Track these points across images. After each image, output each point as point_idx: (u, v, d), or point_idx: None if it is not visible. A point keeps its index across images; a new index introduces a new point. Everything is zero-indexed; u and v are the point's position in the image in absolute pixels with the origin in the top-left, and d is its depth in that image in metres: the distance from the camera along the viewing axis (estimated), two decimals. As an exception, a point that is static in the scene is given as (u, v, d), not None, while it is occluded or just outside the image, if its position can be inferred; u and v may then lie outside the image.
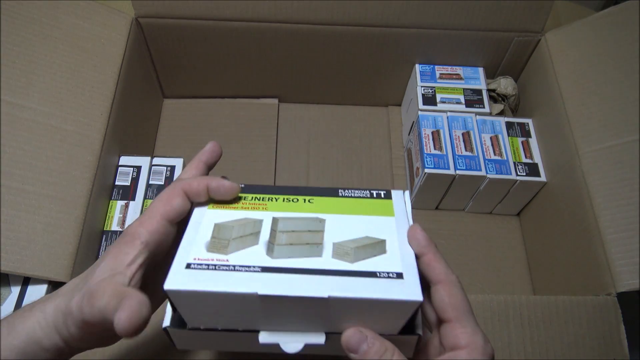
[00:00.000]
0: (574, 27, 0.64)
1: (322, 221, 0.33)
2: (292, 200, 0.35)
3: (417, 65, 0.72)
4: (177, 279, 0.29)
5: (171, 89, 0.77)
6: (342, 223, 0.33)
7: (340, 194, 0.36)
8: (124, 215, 0.57)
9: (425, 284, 0.31)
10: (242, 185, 0.35)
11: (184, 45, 0.69)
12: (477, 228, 0.70)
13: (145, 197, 0.58)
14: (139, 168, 0.60)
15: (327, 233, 0.33)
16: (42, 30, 0.56)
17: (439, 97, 0.69)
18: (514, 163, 0.64)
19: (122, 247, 0.29)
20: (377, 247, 0.32)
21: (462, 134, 0.66)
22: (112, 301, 0.26)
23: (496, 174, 0.63)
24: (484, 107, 0.69)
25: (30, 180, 0.49)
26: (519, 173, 0.63)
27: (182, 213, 0.32)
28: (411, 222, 0.34)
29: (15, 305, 0.47)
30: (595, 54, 0.61)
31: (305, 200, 0.35)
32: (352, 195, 0.36)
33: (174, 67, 0.73)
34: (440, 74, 0.71)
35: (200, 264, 0.30)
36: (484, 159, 0.64)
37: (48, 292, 0.48)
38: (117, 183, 0.59)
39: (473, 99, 0.69)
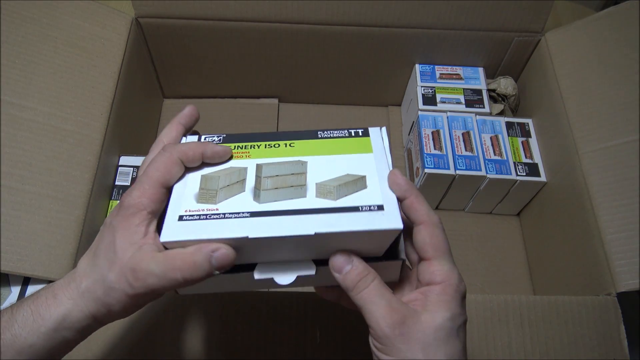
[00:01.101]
0: (574, 27, 0.64)
1: (304, 163, 0.34)
2: (274, 146, 0.36)
3: (417, 65, 0.72)
4: (171, 231, 0.30)
5: (171, 89, 0.77)
6: (323, 163, 0.35)
7: (319, 136, 0.37)
8: (124, 215, 0.57)
9: (408, 226, 0.32)
10: (224, 135, 0.36)
11: (184, 45, 0.69)
12: (477, 228, 0.70)
13: (145, 197, 0.58)
14: (139, 168, 0.60)
15: (310, 174, 0.34)
16: (42, 30, 0.56)
17: (439, 97, 0.69)
18: (514, 163, 0.64)
19: (131, 219, 0.30)
20: (358, 183, 0.33)
21: (462, 134, 0.66)
22: (162, 268, 0.28)
23: (496, 174, 0.63)
24: (484, 107, 0.69)
25: (30, 180, 0.49)
26: (519, 173, 0.63)
27: (177, 179, 0.33)
28: (389, 156, 0.35)
29: (15, 305, 0.47)
30: (595, 54, 0.61)
31: (286, 144, 0.36)
32: (332, 135, 0.37)
33: (174, 67, 0.73)
34: (440, 74, 0.71)
35: (192, 215, 0.31)
36: (484, 159, 0.64)
37: (48, 292, 0.48)
38: (117, 183, 0.59)
39: (473, 99, 0.69)
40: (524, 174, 0.63)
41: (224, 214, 0.31)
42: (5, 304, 0.47)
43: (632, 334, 0.47)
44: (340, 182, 0.33)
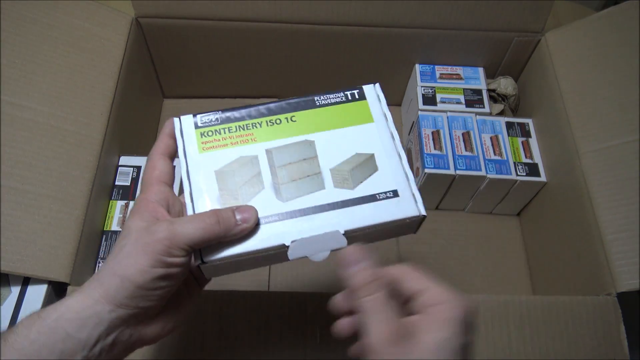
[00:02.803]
0: (574, 27, 0.64)
1: (312, 143, 0.35)
2: (276, 122, 0.36)
3: (417, 65, 0.72)
4: (210, 249, 0.31)
5: (171, 89, 0.77)
6: (330, 141, 0.35)
7: (317, 104, 0.36)
8: (124, 215, 0.57)
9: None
10: (220, 112, 0.36)
11: (184, 45, 0.69)
12: (477, 228, 0.70)
13: (145, 197, 0.58)
14: (139, 168, 0.60)
15: (321, 157, 0.34)
16: (42, 30, 0.56)
17: (439, 97, 0.69)
18: (514, 163, 0.64)
19: (142, 205, 0.32)
20: (368, 164, 0.34)
21: (462, 134, 0.66)
22: (200, 221, 0.30)
23: (496, 174, 0.63)
24: (484, 107, 0.69)
25: (30, 180, 0.49)
26: (519, 173, 0.63)
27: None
28: (390, 120, 0.36)
29: (15, 305, 0.47)
30: (595, 54, 0.61)
31: (287, 119, 0.36)
32: (329, 102, 0.37)
33: (174, 67, 0.73)
34: (440, 74, 0.71)
35: None
36: (484, 159, 0.64)
37: (48, 292, 0.48)
38: (117, 183, 0.59)
39: (473, 99, 0.69)
40: (524, 174, 0.63)
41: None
42: (5, 304, 0.47)
43: (632, 334, 0.47)
44: (352, 165, 0.34)
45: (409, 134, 0.72)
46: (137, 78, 0.66)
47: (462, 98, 0.69)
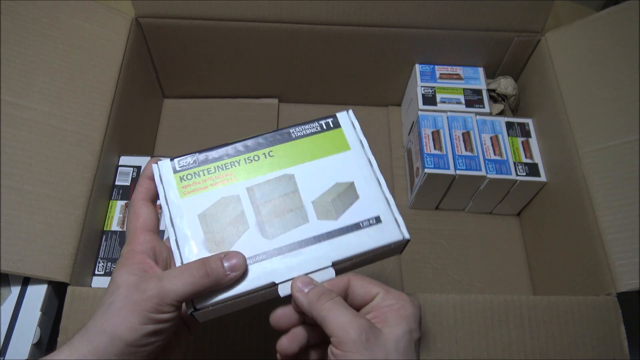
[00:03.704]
0: (574, 27, 0.64)
1: (292, 177, 0.35)
2: (254, 159, 0.35)
3: (417, 65, 0.72)
4: (201, 296, 0.31)
5: (171, 89, 0.77)
6: (309, 173, 0.35)
7: (293, 136, 0.36)
8: (124, 215, 0.57)
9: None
10: (198, 154, 0.35)
11: (184, 45, 0.69)
12: (477, 228, 0.70)
13: (145, 197, 0.58)
14: (139, 168, 0.60)
15: (302, 190, 0.34)
16: (42, 30, 0.56)
17: (439, 97, 0.69)
18: (514, 163, 0.64)
19: (129, 257, 0.32)
20: (349, 193, 0.34)
21: (462, 134, 0.66)
22: (188, 275, 0.30)
23: (496, 174, 0.63)
24: (484, 107, 0.69)
25: (30, 180, 0.49)
26: (519, 173, 0.63)
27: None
28: (366, 147, 0.36)
29: (15, 305, 0.47)
30: (595, 54, 0.61)
31: (265, 155, 0.36)
32: (305, 133, 0.36)
33: (174, 67, 0.73)
34: (440, 74, 0.71)
35: None
36: (484, 159, 0.64)
37: (48, 292, 0.48)
38: (117, 183, 0.59)
39: (473, 99, 0.69)
40: (524, 174, 0.63)
41: None
42: (5, 304, 0.47)
43: (632, 334, 0.47)
44: (333, 196, 0.34)
45: (409, 134, 0.72)
46: (137, 78, 0.66)
47: (462, 98, 0.69)
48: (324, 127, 0.37)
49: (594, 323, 0.47)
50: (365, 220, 0.33)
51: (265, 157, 0.35)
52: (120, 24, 0.62)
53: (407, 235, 0.33)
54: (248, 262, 0.32)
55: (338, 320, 0.30)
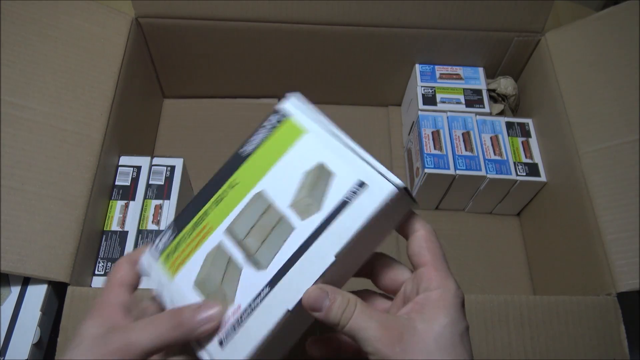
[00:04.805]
0: (574, 27, 0.64)
1: (261, 194, 0.31)
2: (222, 197, 0.32)
3: (417, 65, 0.72)
4: (228, 354, 0.28)
5: (171, 89, 0.77)
6: (276, 179, 0.31)
7: (245, 154, 0.33)
8: (124, 215, 0.57)
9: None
10: (173, 224, 0.33)
11: (184, 45, 0.69)
12: (477, 228, 0.70)
13: (145, 197, 0.58)
14: (139, 168, 0.60)
15: (276, 201, 0.31)
16: (42, 30, 0.56)
17: (439, 97, 0.69)
18: (514, 163, 0.64)
19: (99, 308, 0.30)
20: (322, 175, 0.30)
21: (462, 134, 0.66)
22: (155, 327, 0.28)
23: (496, 174, 0.63)
24: (484, 107, 0.69)
25: (30, 180, 0.49)
26: (519, 173, 0.63)
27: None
28: (324, 120, 0.32)
29: (15, 305, 0.47)
30: (595, 54, 0.61)
31: (230, 187, 0.33)
32: (256, 144, 0.33)
33: (174, 67, 0.73)
34: (440, 74, 0.71)
35: (228, 332, 0.29)
36: (484, 159, 0.64)
37: (48, 292, 0.48)
38: (117, 183, 0.59)
39: (473, 99, 0.69)
40: (524, 174, 0.63)
41: (249, 305, 0.29)
42: (5, 304, 0.47)
43: (632, 334, 0.47)
44: (307, 188, 0.30)
45: (409, 134, 0.72)
46: (137, 78, 0.66)
47: (462, 98, 0.69)
48: (273, 126, 0.33)
49: (594, 323, 0.47)
50: (350, 192, 0.29)
51: (231, 189, 0.32)
52: (120, 24, 0.62)
53: (398, 182, 0.29)
54: (256, 304, 0.29)
55: (368, 337, 0.27)
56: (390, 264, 0.32)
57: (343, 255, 0.28)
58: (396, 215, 0.31)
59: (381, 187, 0.29)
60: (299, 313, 0.29)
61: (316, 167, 0.30)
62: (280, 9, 0.63)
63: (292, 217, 0.30)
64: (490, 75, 0.73)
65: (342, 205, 0.29)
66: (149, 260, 0.33)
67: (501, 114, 0.71)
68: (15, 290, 0.48)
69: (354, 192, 0.29)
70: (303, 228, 0.29)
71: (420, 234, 0.30)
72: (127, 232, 0.56)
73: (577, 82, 0.60)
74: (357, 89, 0.77)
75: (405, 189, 0.29)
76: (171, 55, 0.71)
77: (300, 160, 0.31)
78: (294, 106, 0.33)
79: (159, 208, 0.57)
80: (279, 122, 0.33)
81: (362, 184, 0.29)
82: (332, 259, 0.28)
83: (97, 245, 0.55)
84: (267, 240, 0.30)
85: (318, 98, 0.80)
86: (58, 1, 0.58)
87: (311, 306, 0.28)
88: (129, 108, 0.62)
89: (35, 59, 0.55)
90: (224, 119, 0.77)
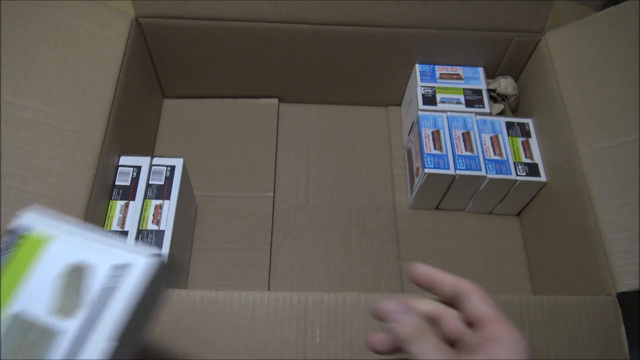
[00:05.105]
0: (574, 27, 0.64)
1: (19, 314, 0.29)
2: None
3: (417, 65, 0.72)
4: None
5: (171, 89, 0.77)
6: (29, 295, 0.29)
7: None
8: (124, 215, 0.57)
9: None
10: None
11: (184, 45, 0.69)
12: (477, 228, 0.70)
13: (145, 197, 0.58)
14: (139, 168, 0.60)
15: (36, 315, 0.29)
16: (42, 30, 0.56)
17: (439, 97, 0.69)
18: (514, 163, 0.64)
19: None
20: (74, 273, 0.29)
21: (462, 134, 0.66)
22: None
23: (496, 174, 0.63)
24: (484, 107, 0.69)
25: (30, 180, 0.49)
26: (519, 173, 0.63)
27: None
28: (66, 221, 0.31)
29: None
30: (595, 54, 0.61)
31: None
32: (1, 269, 0.30)
33: (174, 67, 0.73)
34: (440, 74, 0.71)
35: None
36: (484, 159, 0.64)
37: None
38: (117, 183, 0.59)
39: (473, 99, 0.69)
40: (524, 174, 0.63)
41: None
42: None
43: (632, 334, 0.47)
44: (62, 289, 0.29)
45: (409, 134, 0.72)
46: (137, 78, 0.66)
47: (462, 98, 0.69)
48: (10, 246, 0.31)
49: (594, 323, 0.47)
50: (107, 279, 0.29)
51: None
52: (120, 24, 0.62)
53: (155, 252, 0.29)
54: None
55: None
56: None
57: (121, 337, 0.28)
58: (159, 288, 0.31)
59: (138, 264, 0.29)
60: None
61: (67, 268, 0.30)
62: (280, 9, 0.63)
63: (54, 323, 0.28)
64: (490, 75, 0.73)
65: (106, 292, 0.29)
66: None
67: (501, 114, 0.71)
68: (15, 290, 0.48)
69: (112, 277, 0.29)
70: (67, 331, 0.28)
71: (474, 294, 0.30)
72: (127, 232, 0.56)
73: (577, 82, 0.60)
74: (357, 89, 0.77)
75: (160, 259, 0.30)
76: (171, 55, 0.71)
77: (49, 267, 0.30)
78: (32, 220, 0.32)
79: (159, 208, 0.58)
80: (19, 238, 0.31)
81: (117, 267, 0.29)
82: (111, 345, 0.27)
83: (97, 245, 0.55)
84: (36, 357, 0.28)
85: (318, 98, 0.81)
86: (58, 1, 0.58)
87: (390, 312, 0.29)
88: (129, 108, 0.62)
89: (35, 59, 0.55)
90: (224, 119, 0.77)
